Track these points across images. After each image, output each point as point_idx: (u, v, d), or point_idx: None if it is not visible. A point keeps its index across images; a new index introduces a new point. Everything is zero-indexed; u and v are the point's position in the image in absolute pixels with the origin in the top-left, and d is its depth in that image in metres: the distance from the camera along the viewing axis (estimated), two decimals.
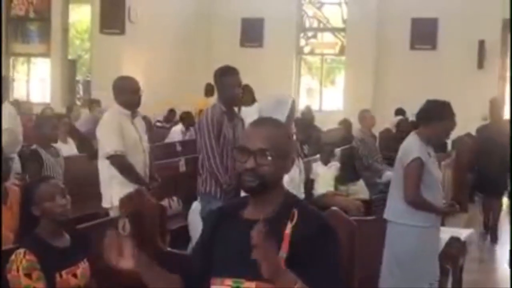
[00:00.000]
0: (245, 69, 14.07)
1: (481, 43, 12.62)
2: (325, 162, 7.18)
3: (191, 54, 13.88)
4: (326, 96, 15.43)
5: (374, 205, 7.09)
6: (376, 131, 10.85)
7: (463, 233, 5.46)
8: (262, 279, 1.74)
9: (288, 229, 1.86)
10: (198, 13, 14.17)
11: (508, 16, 12.71)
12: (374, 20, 13.43)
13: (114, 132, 4.70)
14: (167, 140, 9.86)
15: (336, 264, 1.93)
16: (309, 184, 6.80)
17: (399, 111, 11.54)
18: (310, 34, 15.03)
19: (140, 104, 5.02)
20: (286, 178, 4.33)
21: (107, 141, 4.75)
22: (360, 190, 8.00)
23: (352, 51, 13.74)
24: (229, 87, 4.76)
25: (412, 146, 4.23)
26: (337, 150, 8.19)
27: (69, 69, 13.99)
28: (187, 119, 10.60)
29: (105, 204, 4.83)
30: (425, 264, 4.29)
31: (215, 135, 4.65)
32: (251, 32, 14.46)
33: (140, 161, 4.90)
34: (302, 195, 4.61)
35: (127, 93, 4.81)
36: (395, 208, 4.28)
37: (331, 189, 7.08)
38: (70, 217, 3.13)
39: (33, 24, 14.25)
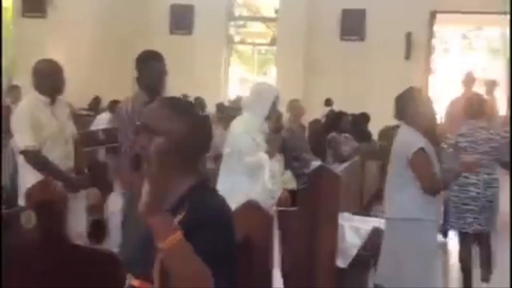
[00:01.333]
0: (174, 57, 13.91)
1: (408, 35, 12.77)
2: (271, 155, 7.03)
3: (118, 41, 13.48)
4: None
5: (300, 196, 7.00)
6: (308, 121, 10.86)
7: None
8: (144, 276, 1.64)
9: (175, 222, 1.70)
10: None
11: (434, 8, 12.95)
12: (305, 11, 13.39)
13: (27, 124, 4.27)
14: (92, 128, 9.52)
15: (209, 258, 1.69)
16: None
17: (328, 102, 11.57)
18: (240, 23, 14.86)
19: (62, 89, 4.53)
20: (267, 173, 4.24)
21: (19, 135, 4.34)
22: (288, 180, 7.91)
23: (284, 42, 13.67)
24: (154, 74, 4.32)
25: (412, 138, 4.06)
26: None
27: None
28: (115, 107, 10.25)
29: (21, 201, 4.37)
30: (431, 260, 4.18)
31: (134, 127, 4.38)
32: (181, 19, 14.19)
33: (61, 154, 4.47)
34: (280, 190, 4.47)
35: (44, 77, 4.35)
36: (403, 204, 4.08)
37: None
38: None
39: None
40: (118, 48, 13.41)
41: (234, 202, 3.96)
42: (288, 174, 8.24)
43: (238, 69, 15.82)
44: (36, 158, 4.33)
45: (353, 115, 9.43)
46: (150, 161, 1.78)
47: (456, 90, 20.54)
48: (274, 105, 4.31)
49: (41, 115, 4.34)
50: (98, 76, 12.83)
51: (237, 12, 14.79)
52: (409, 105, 4.10)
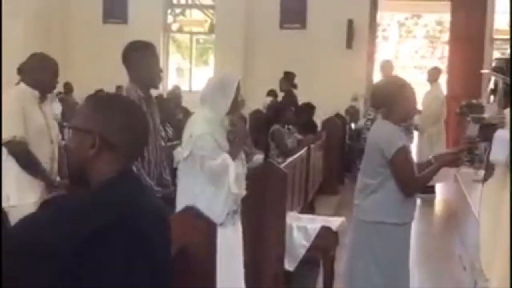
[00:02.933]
0: (108, 48, 13.37)
1: (350, 23, 12.56)
2: None
3: (46, 30, 12.82)
4: (198, 76, 14.94)
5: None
6: (249, 112, 10.53)
7: (335, 223, 5.15)
8: None
9: None
10: None
11: None
12: None
13: (15, 114, 3.96)
14: None
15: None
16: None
17: (271, 92, 11.24)
18: (178, 10, 14.37)
19: (55, 86, 4.31)
20: (232, 176, 3.78)
21: (5, 125, 3.96)
22: None
23: (222, 30, 13.28)
24: (148, 65, 3.91)
25: (392, 134, 3.78)
26: None
27: None
28: None
29: (3, 203, 3.96)
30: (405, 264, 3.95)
31: None
32: (114, 7, 13.61)
33: (46, 153, 4.13)
34: (244, 192, 4.02)
35: (38, 72, 4.11)
36: (379, 206, 3.80)
37: None
38: None
39: None
40: (48, 39, 12.75)
41: None
42: None
43: (176, 59, 15.34)
44: (21, 150, 3.96)
45: (296, 106, 9.13)
46: (78, 160, 1.78)
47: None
48: (236, 97, 3.82)
49: (30, 108, 4.04)
50: None
51: (175, 0, 14.28)
52: (393, 97, 3.81)
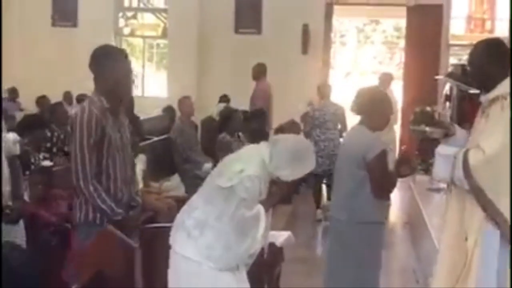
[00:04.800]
0: (57, 52, 12.93)
1: (305, 27, 12.34)
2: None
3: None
4: (151, 82, 14.61)
5: None
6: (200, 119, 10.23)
7: (279, 238, 4.86)
8: None
9: None
10: None
11: (330, 0, 12.59)
12: (197, 1, 12.69)
13: None
14: None
15: None
16: None
17: (223, 98, 10.95)
18: (129, 14, 13.99)
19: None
20: (260, 231, 3.26)
21: None
22: (174, 186, 7.24)
23: (175, 34, 12.93)
24: (118, 73, 3.56)
25: (371, 139, 4.12)
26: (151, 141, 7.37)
27: None
28: None
29: None
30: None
31: (95, 141, 3.46)
32: (64, 10, 13.15)
33: None
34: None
35: None
36: (358, 206, 4.08)
37: (140, 186, 6.18)
38: None
39: None
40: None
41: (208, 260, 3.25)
42: (176, 179, 7.56)
43: (134, 64, 14.96)
44: None
45: (247, 112, 8.85)
46: None
47: (354, 83, 20.58)
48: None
49: None
50: None
51: (126, 3, 13.89)
52: (375, 105, 4.16)
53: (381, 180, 4.01)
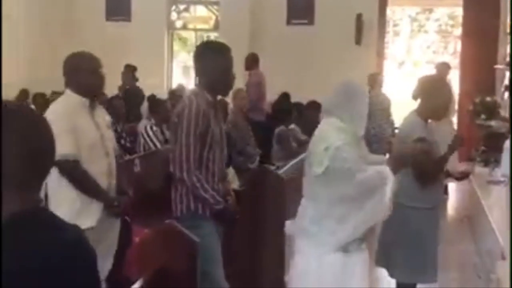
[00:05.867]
0: (112, 46, 13.08)
1: (359, 17, 12.16)
2: None
3: (48, 29, 12.54)
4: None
5: (241, 201, 6.32)
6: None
7: None
8: None
9: None
10: None
11: None
12: None
13: (63, 129, 3.47)
14: None
15: None
16: None
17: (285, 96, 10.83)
18: (182, 7, 14.05)
19: (102, 88, 3.85)
20: (388, 191, 3.21)
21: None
22: (229, 179, 7.21)
23: (226, 27, 12.91)
24: (220, 68, 3.61)
25: (412, 125, 4.12)
26: None
27: None
28: (40, 101, 9.45)
29: None
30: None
31: (201, 134, 3.48)
32: (117, 4, 13.30)
33: (102, 168, 3.71)
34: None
35: (83, 74, 3.64)
36: (402, 191, 3.87)
37: None
38: None
39: None
40: (50, 39, 12.49)
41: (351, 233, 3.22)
42: (231, 171, 7.54)
43: (181, 57, 15.03)
44: (75, 170, 3.54)
45: (300, 105, 8.77)
46: None
47: (408, 73, 20.25)
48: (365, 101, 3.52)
49: (79, 120, 3.61)
50: (30, 69, 11.92)
51: None
52: (430, 93, 4.13)
53: (419, 166, 3.93)
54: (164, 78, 13.53)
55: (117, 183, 3.85)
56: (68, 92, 3.72)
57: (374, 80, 8.95)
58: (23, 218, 1.41)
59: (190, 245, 2.81)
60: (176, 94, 9.72)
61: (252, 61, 10.10)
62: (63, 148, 3.45)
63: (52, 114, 3.59)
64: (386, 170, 3.26)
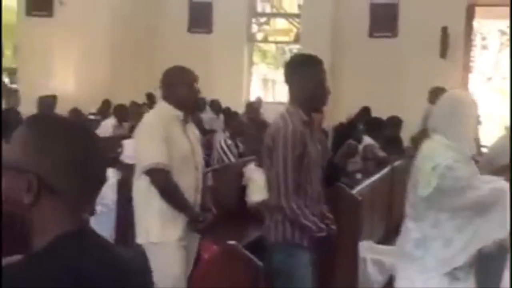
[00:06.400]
0: (193, 58, 13.17)
1: (444, 30, 11.73)
2: (259, 163, 6.11)
3: (131, 40, 12.76)
4: (283, 87, 14.49)
5: None
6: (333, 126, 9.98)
7: None
8: None
9: None
10: None
11: (472, 1, 11.91)
12: (331, 6, 12.46)
13: (157, 138, 3.49)
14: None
15: None
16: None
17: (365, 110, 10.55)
18: (262, 19, 14.01)
19: (196, 102, 3.88)
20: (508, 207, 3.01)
21: (147, 150, 3.52)
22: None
23: (307, 39, 12.74)
24: (316, 83, 3.38)
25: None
26: None
27: None
28: (120, 112, 9.55)
29: (139, 238, 3.56)
30: None
31: (298, 157, 3.28)
32: (200, 17, 13.40)
33: (190, 182, 3.64)
34: None
35: (180, 87, 3.61)
36: None
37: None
38: None
39: None
40: (132, 47, 12.70)
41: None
42: None
43: (262, 69, 14.97)
44: (166, 179, 3.47)
45: (381, 120, 8.47)
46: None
47: (496, 89, 19.37)
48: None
49: (173, 131, 3.57)
50: (112, 78, 12.15)
51: (259, 8, 13.93)
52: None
53: None
54: (243, 90, 13.50)
55: (202, 199, 3.76)
56: (164, 104, 3.70)
57: (436, 95, 8.51)
58: (70, 239, 1.33)
59: (254, 270, 2.64)
60: (253, 107, 9.62)
61: None
62: (156, 156, 3.46)
63: (147, 123, 3.64)
64: (505, 186, 2.99)
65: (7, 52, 13.25)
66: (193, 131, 3.81)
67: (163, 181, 3.49)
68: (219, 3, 13.19)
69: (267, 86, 15.01)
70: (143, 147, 3.57)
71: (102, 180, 1.43)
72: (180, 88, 3.63)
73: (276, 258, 3.27)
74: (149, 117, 3.73)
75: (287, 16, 13.93)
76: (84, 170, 1.35)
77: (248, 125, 7.64)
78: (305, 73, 3.39)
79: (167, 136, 3.51)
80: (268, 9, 14.08)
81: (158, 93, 4.21)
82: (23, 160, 1.33)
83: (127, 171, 4.83)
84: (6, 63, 13.87)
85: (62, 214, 1.34)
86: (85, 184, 1.37)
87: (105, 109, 10.88)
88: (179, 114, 3.63)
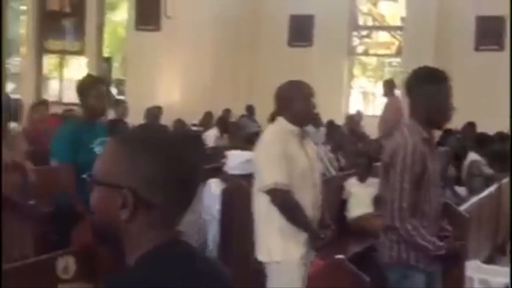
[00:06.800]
0: (293, 71, 13.23)
1: None
2: (362, 178, 6.05)
3: (234, 53, 13.00)
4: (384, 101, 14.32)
5: None
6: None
7: None
8: None
9: None
10: (242, 8, 13.27)
11: None
12: (435, 18, 12.20)
13: (276, 157, 3.47)
14: None
15: None
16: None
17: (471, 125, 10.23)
18: (364, 32, 13.91)
19: (313, 117, 3.88)
20: None
21: (267, 170, 3.49)
22: None
23: (410, 52, 12.52)
24: (441, 99, 3.22)
25: None
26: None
27: (104, 68, 13.27)
28: (223, 123, 9.75)
29: (261, 256, 3.53)
30: None
31: (417, 176, 3.15)
32: (300, 30, 13.46)
33: (309, 199, 3.58)
34: None
35: (296, 102, 3.54)
36: None
37: (368, 210, 5.96)
38: None
39: (68, 20, 13.55)
40: (233, 60, 12.93)
41: None
42: None
43: (362, 82, 14.84)
44: (286, 199, 3.45)
45: (486, 135, 8.19)
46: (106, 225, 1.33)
47: None
48: None
49: (291, 148, 3.52)
50: (213, 90, 12.40)
51: (360, 21, 13.84)
52: None
53: None
54: (342, 103, 13.43)
55: (321, 215, 3.68)
56: (280, 119, 3.63)
57: None
58: (164, 252, 1.31)
59: (361, 284, 2.61)
60: (354, 120, 9.55)
61: (388, 88, 10.01)
62: (275, 176, 3.41)
63: (265, 141, 3.59)
64: None
65: (115, 64, 13.80)
66: (311, 146, 3.72)
67: (283, 201, 3.45)
68: (321, 17, 13.20)
69: (367, 99, 14.86)
70: (262, 166, 3.54)
71: (196, 192, 1.40)
72: (297, 103, 3.54)
73: (391, 277, 3.21)
74: (267, 134, 3.67)
75: (389, 29, 13.75)
76: (179, 183, 1.33)
77: (348, 138, 7.58)
78: (430, 88, 3.21)
79: (285, 153, 3.46)
80: (369, 22, 13.95)
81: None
82: (117, 175, 1.31)
83: (230, 182, 4.91)
84: (115, 74, 14.48)
85: (157, 227, 1.32)
86: (180, 197, 1.34)
87: (207, 120, 11.12)
88: (295, 129, 3.57)
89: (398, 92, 10.16)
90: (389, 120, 9.38)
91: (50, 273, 2.82)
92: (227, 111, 11.44)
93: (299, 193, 3.46)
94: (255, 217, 3.58)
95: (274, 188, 3.40)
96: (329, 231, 3.63)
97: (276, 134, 3.57)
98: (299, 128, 3.58)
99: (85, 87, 4.25)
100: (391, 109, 9.76)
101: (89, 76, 4.77)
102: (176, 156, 1.33)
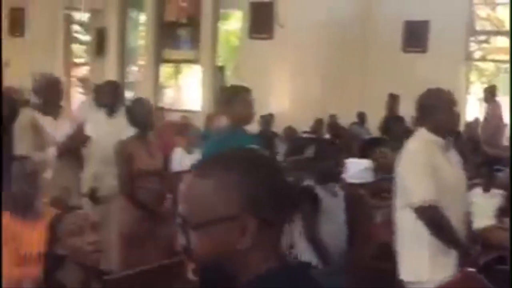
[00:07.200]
0: (406, 77, 12.98)
1: None
2: (486, 188, 5.82)
3: (345, 60, 12.89)
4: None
5: None
6: None
7: None
8: None
9: None
10: (354, 15, 13.16)
11: None
12: None
13: (423, 172, 3.37)
14: None
15: None
16: None
17: None
18: (482, 37, 13.41)
19: (458, 127, 3.87)
20: None
21: (414, 185, 3.38)
22: None
23: None
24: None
25: None
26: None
27: (217, 76, 13.54)
28: (332, 129, 9.74)
29: (405, 275, 3.43)
30: None
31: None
32: (415, 35, 13.16)
33: (456, 213, 3.46)
34: None
35: (440, 112, 3.47)
36: None
37: (492, 222, 5.73)
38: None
39: (184, 29, 13.95)
40: (345, 67, 12.82)
41: None
42: None
43: (477, 88, 14.32)
44: (434, 216, 3.34)
45: None
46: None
47: None
48: None
49: (437, 161, 3.45)
50: (324, 97, 12.36)
51: (478, 26, 13.36)
52: None
53: None
54: (460, 110, 12.98)
55: (469, 233, 3.65)
56: (423, 131, 3.55)
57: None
58: (282, 274, 1.27)
59: None
60: (471, 127, 9.26)
61: (489, 93, 9.76)
62: (423, 193, 3.32)
63: (411, 154, 3.50)
64: None
65: (227, 73, 14.06)
66: (457, 159, 3.60)
67: (432, 217, 3.32)
68: (437, 22, 12.85)
69: (482, 106, 14.30)
70: (409, 181, 3.41)
71: (291, 211, 1.43)
72: (441, 113, 3.46)
73: None
74: (412, 147, 3.54)
75: (508, 34, 13.20)
76: (282, 199, 1.29)
77: (468, 146, 7.32)
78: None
79: (432, 166, 3.35)
80: (488, 27, 13.44)
81: None
82: (224, 206, 1.25)
83: (350, 190, 4.86)
84: (228, 82, 14.72)
85: (267, 247, 1.28)
86: (286, 213, 1.31)
87: (318, 127, 11.11)
88: (439, 139, 3.47)
89: (499, 98, 9.90)
90: (490, 126, 9.18)
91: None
92: (332, 117, 11.44)
93: (446, 207, 3.32)
94: (397, 233, 3.45)
95: (422, 206, 3.29)
96: (478, 246, 3.50)
97: (421, 146, 3.46)
98: (443, 139, 3.44)
99: (232, 96, 4.30)
100: (492, 115, 9.53)
101: (233, 86, 4.86)
102: (274, 171, 1.29)
